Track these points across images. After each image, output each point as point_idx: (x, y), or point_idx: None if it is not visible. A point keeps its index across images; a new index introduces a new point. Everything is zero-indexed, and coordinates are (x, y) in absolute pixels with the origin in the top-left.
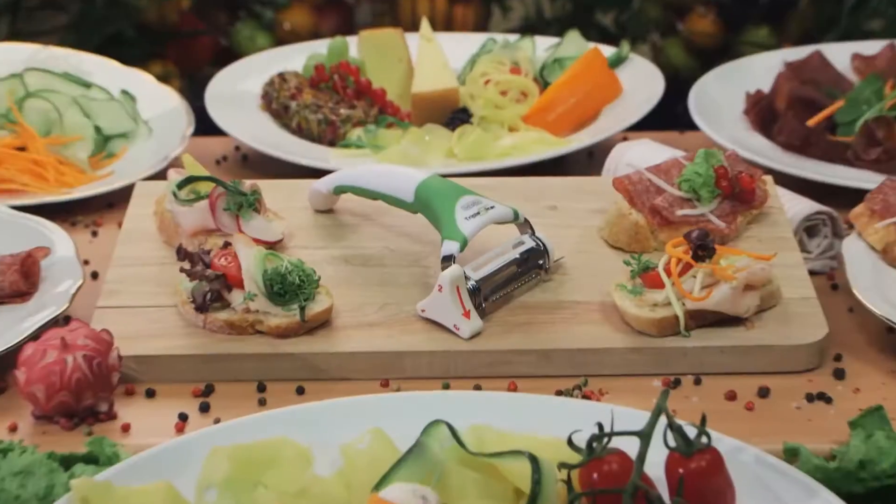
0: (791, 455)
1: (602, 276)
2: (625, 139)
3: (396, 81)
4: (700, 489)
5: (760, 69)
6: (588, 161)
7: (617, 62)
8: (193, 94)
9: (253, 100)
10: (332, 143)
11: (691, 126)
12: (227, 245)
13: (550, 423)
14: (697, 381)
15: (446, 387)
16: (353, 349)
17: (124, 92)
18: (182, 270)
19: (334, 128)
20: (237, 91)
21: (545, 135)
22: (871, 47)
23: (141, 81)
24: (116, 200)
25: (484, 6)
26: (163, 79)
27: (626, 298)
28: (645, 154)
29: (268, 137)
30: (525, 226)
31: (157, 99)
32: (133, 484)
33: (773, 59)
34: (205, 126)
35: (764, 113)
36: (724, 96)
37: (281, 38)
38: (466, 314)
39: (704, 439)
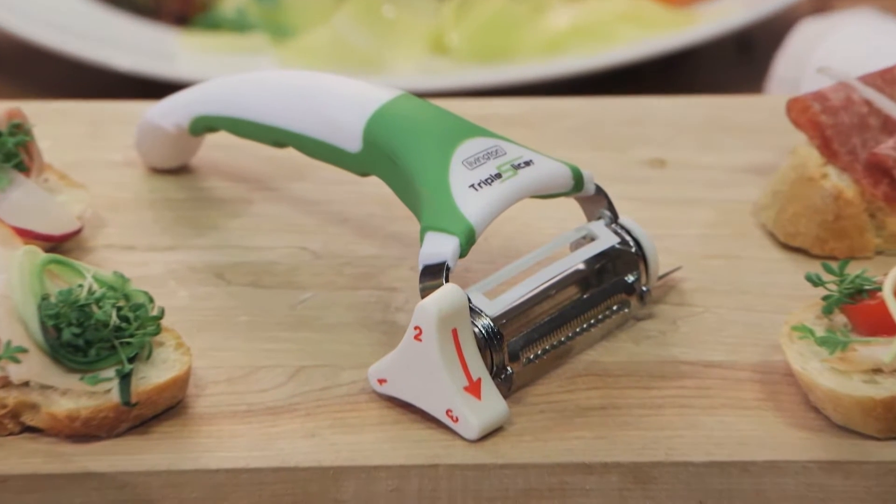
0: None
1: (761, 309)
2: (817, 12)
3: None
4: None
5: None
6: (734, 61)
7: None
8: None
9: None
10: (182, 22)
11: None
12: None
13: None
14: None
15: None
16: (234, 464)
17: None
18: None
19: None
20: None
21: (642, 3)
22: None
23: None
24: None
25: None
26: None
27: (813, 356)
28: (859, 45)
29: (45, 8)
30: (597, 202)
31: None
32: None
33: None
34: None
35: None
36: None
37: None
38: (474, 387)
39: None
